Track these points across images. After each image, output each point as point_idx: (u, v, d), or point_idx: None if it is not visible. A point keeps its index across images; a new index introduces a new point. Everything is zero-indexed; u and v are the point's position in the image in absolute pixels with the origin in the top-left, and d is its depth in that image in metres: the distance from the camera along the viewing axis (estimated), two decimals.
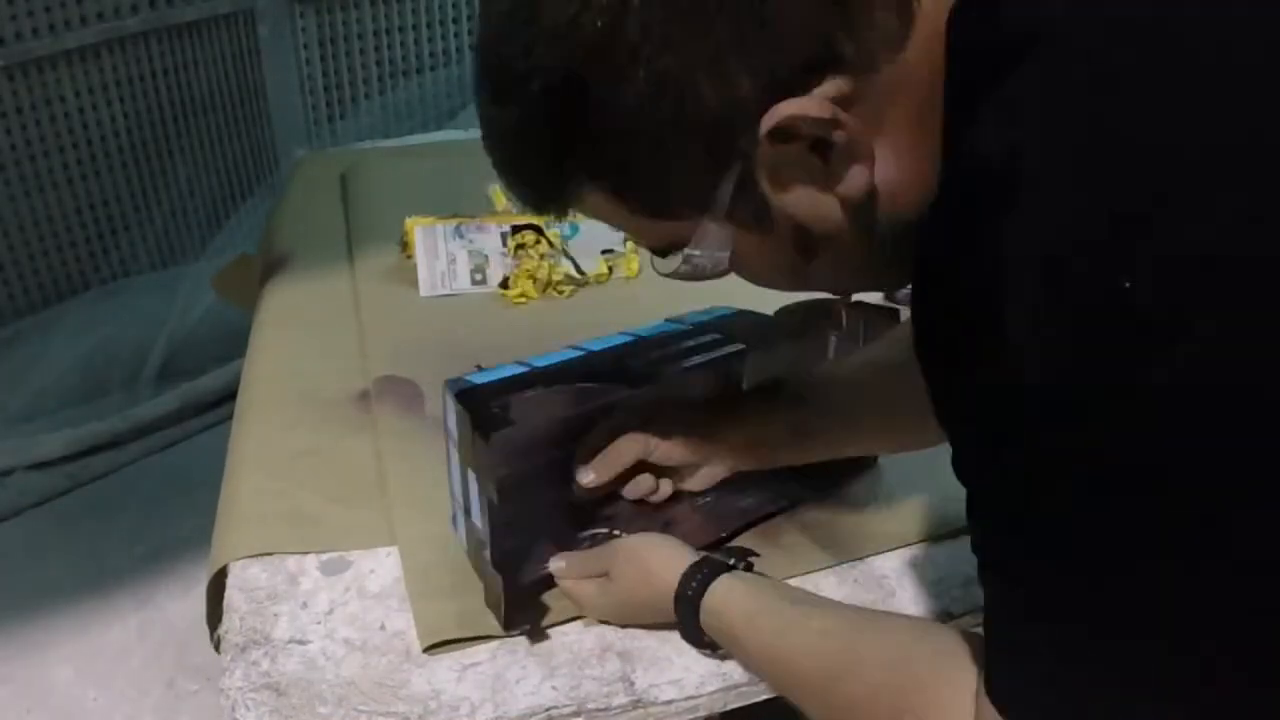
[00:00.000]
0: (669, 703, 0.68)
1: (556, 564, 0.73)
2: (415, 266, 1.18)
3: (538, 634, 0.71)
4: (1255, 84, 0.33)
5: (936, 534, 0.81)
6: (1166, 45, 0.35)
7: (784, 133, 0.41)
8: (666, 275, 0.51)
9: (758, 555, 0.71)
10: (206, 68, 2.26)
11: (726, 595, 0.64)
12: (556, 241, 1.20)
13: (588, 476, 0.74)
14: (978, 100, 0.38)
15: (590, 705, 0.67)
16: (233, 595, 0.75)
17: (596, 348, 0.77)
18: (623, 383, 0.73)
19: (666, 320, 0.83)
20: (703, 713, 0.69)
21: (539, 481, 0.78)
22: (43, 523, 1.85)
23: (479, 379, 0.71)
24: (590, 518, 0.79)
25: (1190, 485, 0.35)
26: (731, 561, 0.67)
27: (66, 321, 2.14)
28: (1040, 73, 0.37)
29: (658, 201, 0.47)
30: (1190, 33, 0.35)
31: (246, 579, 0.76)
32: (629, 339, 0.79)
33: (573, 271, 1.18)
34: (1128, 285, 0.33)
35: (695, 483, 0.78)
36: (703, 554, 0.68)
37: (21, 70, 1.97)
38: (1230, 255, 0.32)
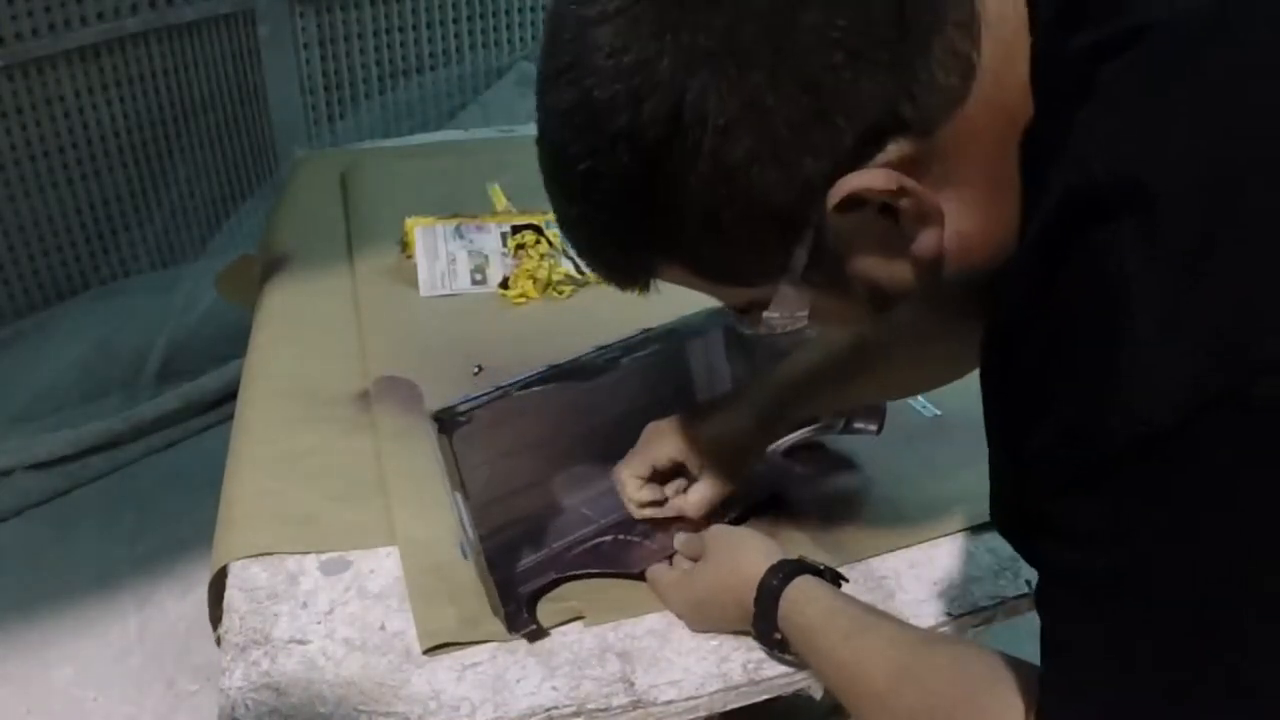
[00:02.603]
0: (669, 703, 0.68)
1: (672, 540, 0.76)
2: (415, 266, 1.18)
3: (538, 634, 0.71)
4: None
5: (936, 534, 0.81)
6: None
7: (850, 202, 0.42)
8: (748, 333, 0.53)
9: (846, 580, 0.72)
10: (206, 68, 2.26)
11: (810, 591, 0.66)
12: (556, 241, 1.20)
13: (641, 497, 0.80)
14: (1071, 128, 0.38)
15: (590, 705, 0.67)
16: (233, 595, 0.75)
17: (564, 362, 0.83)
18: (583, 378, 0.78)
19: (640, 330, 0.86)
20: (703, 713, 0.69)
21: (528, 500, 0.81)
22: (43, 523, 1.85)
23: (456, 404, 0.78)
24: (581, 523, 0.81)
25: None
26: (821, 567, 0.69)
27: (66, 321, 2.14)
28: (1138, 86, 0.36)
29: (734, 274, 0.48)
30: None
31: (247, 579, 0.76)
32: (596, 350, 0.84)
33: (573, 271, 1.18)
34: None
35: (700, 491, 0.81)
36: (796, 555, 0.69)
37: (21, 70, 1.97)
38: None
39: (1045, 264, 0.39)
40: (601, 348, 0.84)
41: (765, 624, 0.67)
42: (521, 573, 0.75)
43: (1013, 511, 0.46)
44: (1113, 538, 0.38)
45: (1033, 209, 0.41)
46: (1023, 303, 0.41)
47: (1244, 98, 0.34)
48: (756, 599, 0.67)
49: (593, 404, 0.83)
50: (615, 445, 0.85)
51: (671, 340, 0.83)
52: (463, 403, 0.77)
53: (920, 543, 0.80)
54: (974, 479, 0.86)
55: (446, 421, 0.74)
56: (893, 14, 0.39)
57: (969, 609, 0.75)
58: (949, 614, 0.74)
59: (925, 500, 0.84)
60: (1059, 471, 0.39)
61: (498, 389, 0.78)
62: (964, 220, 0.43)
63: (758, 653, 0.71)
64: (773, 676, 0.70)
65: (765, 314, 0.49)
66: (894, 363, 0.76)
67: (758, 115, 0.40)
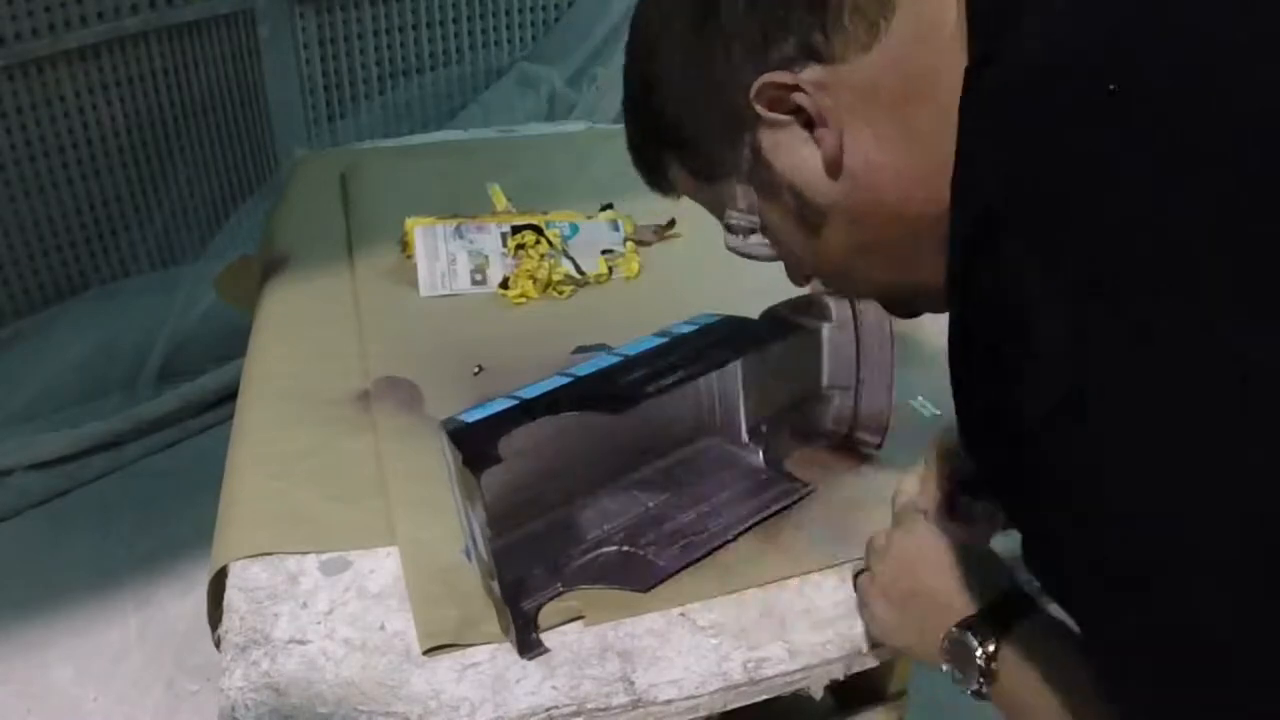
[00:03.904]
0: (669, 703, 0.68)
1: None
2: (415, 266, 1.18)
3: (544, 653, 0.71)
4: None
5: None
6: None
7: (770, 99, 0.53)
8: (730, 249, 0.62)
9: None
10: (206, 68, 2.26)
11: (1025, 659, 0.56)
12: (556, 241, 1.20)
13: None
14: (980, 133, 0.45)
15: (590, 705, 0.67)
16: (233, 595, 0.75)
17: (584, 372, 0.79)
18: (607, 408, 0.75)
19: (654, 335, 0.85)
20: (703, 713, 0.69)
21: (535, 511, 0.80)
22: (43, 523, 1.85)
23: (471, 416, 0.72)
24: (587, 535, 0.80)
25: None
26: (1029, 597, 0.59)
27: (66, 321, 2.14)
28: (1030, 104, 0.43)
29: (706, 167, 0.59)
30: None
31: (246, 579, 0.77)
32: (616, 359, 0.81)
33: (573, 271, 1.18)
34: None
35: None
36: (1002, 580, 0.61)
37: (21, 70, 1.97)
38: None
39: (961, 277, 0.46)
40: (619, 356, 0.81)
41: (964, 677, 0.58)
42: (528, 585, 0.75)
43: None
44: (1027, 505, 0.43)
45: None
46: (956, 304, 0.48)
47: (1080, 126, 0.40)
48: (949, 646, 0.59)
49: (608, 418, 0.81)
50: (622, 452, 0.85)
51: (693, 368, 0.79)
52: (480, 421, 0.71)
53: None
54: None
55: (473, 457, 0.67)
56: None
57: None
58: None
59: None
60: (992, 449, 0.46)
61: (515, 401, 0.74)
62: (875, 152, 0.52)
63: (758, 652, 0.71)
64: (772, 676, 0.70)
65: (728, 211, 0.60)
66: None
67: (712, 28, 0.54)
